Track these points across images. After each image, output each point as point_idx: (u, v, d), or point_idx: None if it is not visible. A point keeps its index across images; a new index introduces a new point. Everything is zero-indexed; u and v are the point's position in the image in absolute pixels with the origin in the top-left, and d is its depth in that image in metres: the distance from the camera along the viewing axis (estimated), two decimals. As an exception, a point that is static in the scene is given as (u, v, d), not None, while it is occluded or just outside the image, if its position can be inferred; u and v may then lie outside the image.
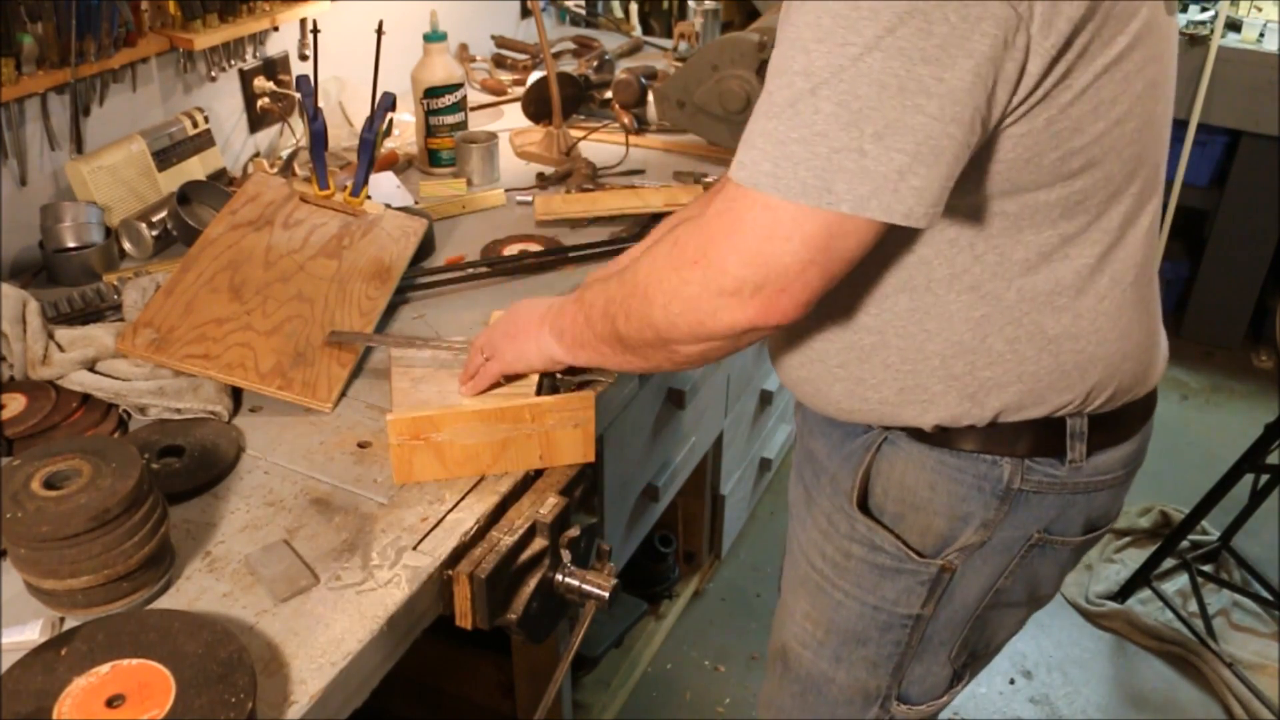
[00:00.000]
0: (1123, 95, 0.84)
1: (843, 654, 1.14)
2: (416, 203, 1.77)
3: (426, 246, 1.59)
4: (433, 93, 1.86)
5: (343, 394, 1.26)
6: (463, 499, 1.09)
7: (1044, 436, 0.98)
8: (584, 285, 1.06)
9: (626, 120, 2.05)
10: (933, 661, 1.13)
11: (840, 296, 0.96)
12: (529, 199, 1.79)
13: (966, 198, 0.87)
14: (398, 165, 1.94)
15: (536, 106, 2.06)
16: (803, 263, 0.81)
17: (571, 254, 1.59)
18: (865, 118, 0.76)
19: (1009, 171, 0.85)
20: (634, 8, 2.96)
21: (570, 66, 2.38)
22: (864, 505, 1.07)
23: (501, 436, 1.11)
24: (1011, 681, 2.21)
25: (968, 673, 1.17)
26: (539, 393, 1.12)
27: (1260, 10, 3.01)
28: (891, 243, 0.92)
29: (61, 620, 0.94)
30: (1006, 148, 0.84)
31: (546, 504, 1.09)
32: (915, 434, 1.01)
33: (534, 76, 2.14)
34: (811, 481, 1.14)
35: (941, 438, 1.00)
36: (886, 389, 0.98)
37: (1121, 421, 1.02)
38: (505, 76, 2.39)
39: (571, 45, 2.58)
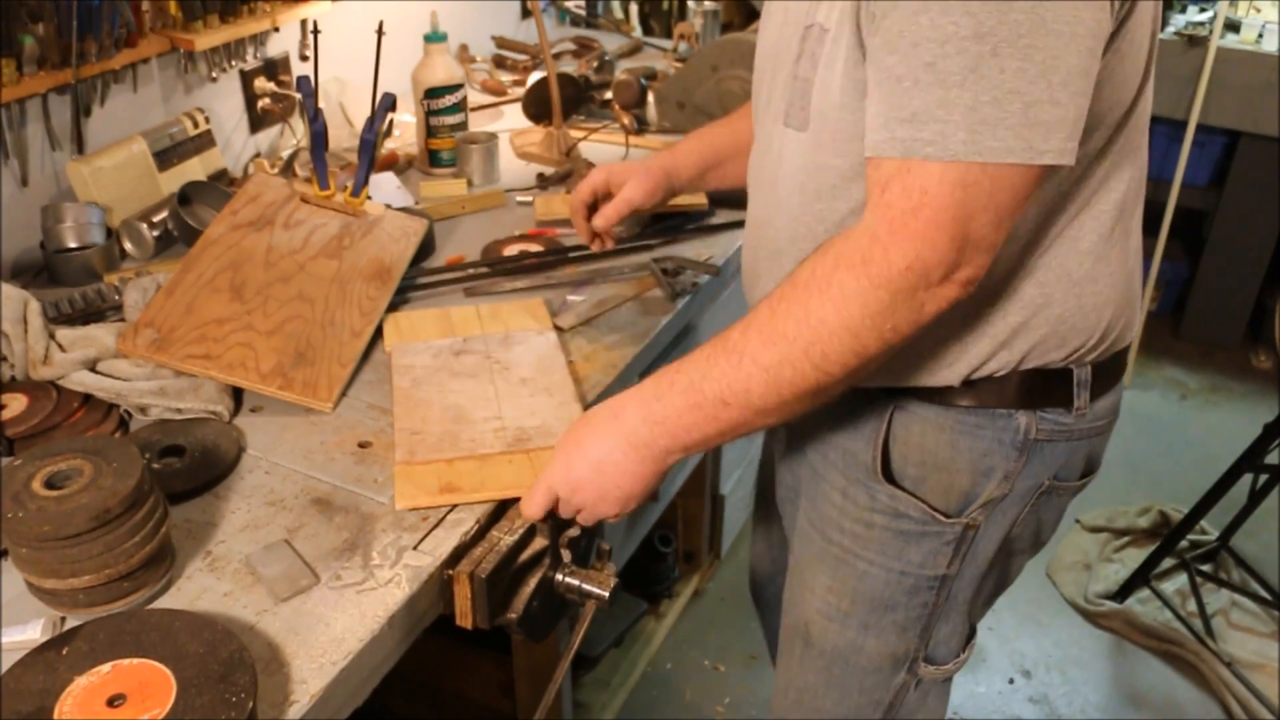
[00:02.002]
0: (1141, 44, 0.88)
1: (871, 621, 1.14)
2: (417, 203, 1.77)
3: (427, 247, 1.59)
4: (433, 93, 1.87)
5: (343, 394, 1.26)
6: (463, 499, 1.10)
7: (1052, 387, 1.01)
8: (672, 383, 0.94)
9: (626, 121, 2.05)
10: (958, 620, 1.15)
11: None
12: (529, 199, 1.79)
13: None
14: (398, 166, 1.94)
15: (537, 107, 2.06)
16: (999, 219, 0.82)
17: (571, 254, 1.59)
18: (1052, 68, 0.77)
19: None
20: (634, 8, 2.96)
21: (570, 67, 2.39)
22: (886, 473, 1.08)
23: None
24: (1010, 681, 2.21)
25: (976, 630, 1.21)
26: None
27: (1259, 11, 3.01)
28: None
29: (63, 620, 0.94)
30: None
31: (546, 504, 1.09)
32: (925, 396, 1.03)
33: (534, 77, 2.15)
34: (818, 460, 1.14)
35: (950, 397, 1.01)
36: (921, 343, 0.96)
37: (1114, 368, 1.06)
38: (505, 77, 2.39)
39: (571, 46, 2.58)
